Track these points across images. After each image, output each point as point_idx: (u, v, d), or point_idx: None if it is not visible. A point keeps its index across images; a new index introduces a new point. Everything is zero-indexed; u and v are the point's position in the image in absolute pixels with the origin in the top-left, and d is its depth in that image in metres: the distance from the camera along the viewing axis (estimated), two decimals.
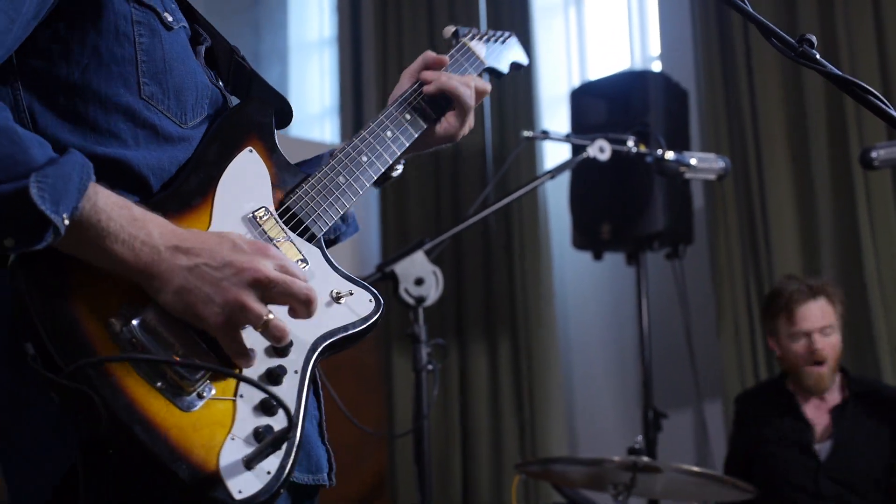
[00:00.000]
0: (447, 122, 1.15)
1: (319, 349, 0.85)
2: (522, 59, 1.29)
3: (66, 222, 0.71)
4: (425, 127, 1.12)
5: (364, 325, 0.89)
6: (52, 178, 0.71)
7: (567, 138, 2.60)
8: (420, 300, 1.72)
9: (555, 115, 3.78)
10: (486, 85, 1.18)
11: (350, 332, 0.89)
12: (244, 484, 0.73)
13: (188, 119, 0.91)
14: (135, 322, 0.76)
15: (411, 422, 2.07)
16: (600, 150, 2.13)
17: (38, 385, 0.74)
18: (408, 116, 1.11)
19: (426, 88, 1.10)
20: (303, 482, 0.90)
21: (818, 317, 2.53)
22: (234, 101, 1.04)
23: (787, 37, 0.94)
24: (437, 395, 3.11)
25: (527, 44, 3.69)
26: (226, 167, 0.90)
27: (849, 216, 2.99)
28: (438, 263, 2.66)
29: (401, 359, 3.61)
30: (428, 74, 1.11)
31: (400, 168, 1.19)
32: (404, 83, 1.17)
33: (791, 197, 3.13)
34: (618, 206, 3.03)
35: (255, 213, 0.90)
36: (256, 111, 0.99)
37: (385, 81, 4.01)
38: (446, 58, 1.16)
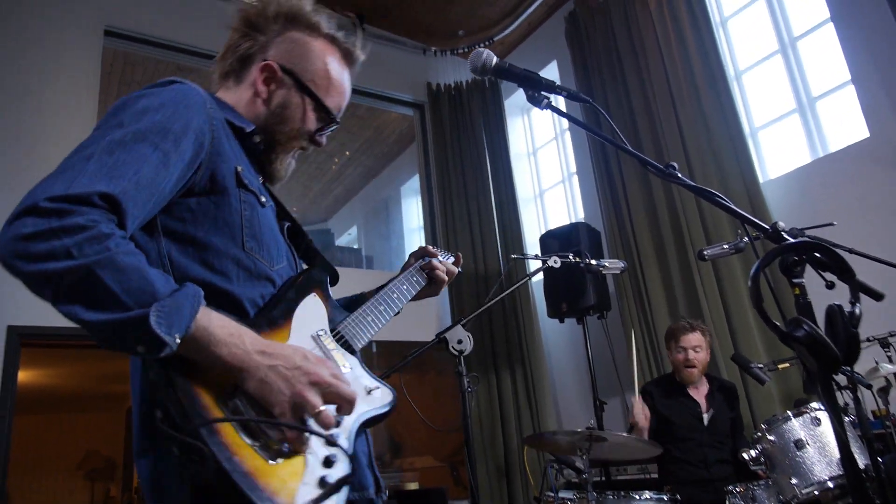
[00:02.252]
0: (433, 287, 1.53)
1: (360, 424, 1.05)
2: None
3: (178, 340, 0.85)
4: (422, 286, 1.48)
5: (387, 409, 1.11)
6: (168, 307, 0.85)
7: (535, 257, 3.34)
8: (461, 352, 2.20)
9: (534, 244, 5.41)
10: (455, 270, 1.58)
11: (379, 413, 1.10)
12: None
13: (275, 264, 1.12)
14: (237, 399, 0.92)
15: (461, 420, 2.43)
16: (555, 262, 2.65)
17: (162, 440, 0.87)
18: (414, 279, 1.46)
19: (430, 273, 1.49)
20: (352, 499, 1.07)
21: (692, 340, 3.41)
22: (302, 263, 1.26)
23: (657, 164, 1.17)
24: (475, 405, 4.81)
25: (514, 204, 5.83)
26: (300, 303, 1.10)
27: (691, 287, 4.40)
28: (475, 328, 4.57)
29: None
30: (434, 263, 1.51)
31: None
32: (411, 260, 1.54)
33: (658, 279, 4.67)
34: (569, 292, 4.49)
35: (318, 333, 1.09)
36: (318, 274, 1.20)
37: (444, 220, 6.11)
38: (435, 251, 1.55)
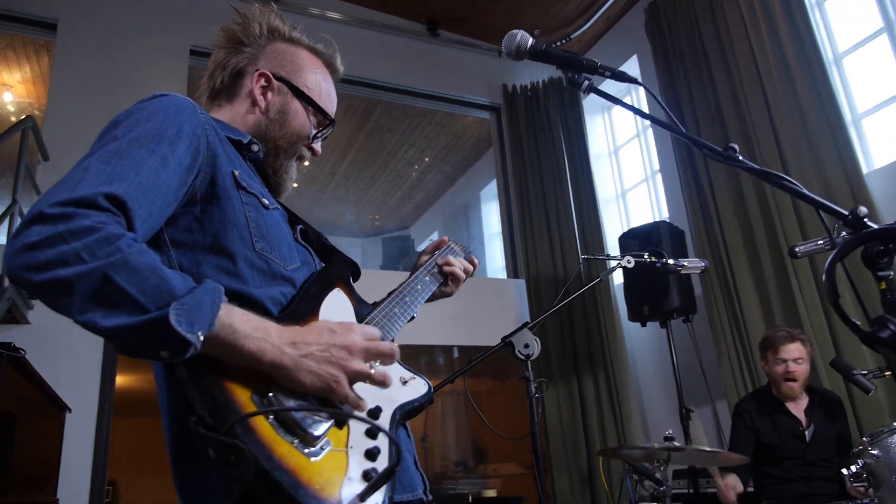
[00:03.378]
0: (449, 287, 1.49)
1: (398, 416, 1.03)
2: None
3: (202, 337, 0.82)
4: (439, 283, 1.45)
5: (423, 400, 1.09)
6: (189, 304, 0.82)
7: (608, 257, 3.41)
8: (528, 356, 2.17)
9: (616, 246, 5.08)
10: (471, 267, 1.52)
11: (416, 404, 1.08)
12: None
13: (288, 264, 1.10)
14: (270, 394, 0.89)
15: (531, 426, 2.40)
16: (628, 261, 2.64)
17: (200, 443, 0.82)
18: (428, 278, 1.43)
19: (445, 269, 1.45)
20: (402, 500, 1.07)
21: (793, 351, 3.18)
22: (320, 262, 1.24)
23: (715, 147, 1.09)
24: (555, 413, 4.69)
25: (594, 205, 5.71)
26: (324, 298, 1.10)
27: (787, 287, 4.07)
28: (555, 333, 4.42)
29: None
30: (449, 259, 1.47)
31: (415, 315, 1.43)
32: (423, 257, 1.51)
33: (750, 280, 4.36)
34: (650, 294, 4.31)
35: None
36: (339, 269, 1.21)
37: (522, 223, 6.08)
38: (445, 238, 1.54)
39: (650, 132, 6.08)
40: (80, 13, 5.14)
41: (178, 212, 1.01)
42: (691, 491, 3.80)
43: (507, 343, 2.38)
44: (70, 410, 3.21)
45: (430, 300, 1.47)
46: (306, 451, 0.87)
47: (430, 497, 1.18)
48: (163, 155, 0.96)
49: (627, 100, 5.46)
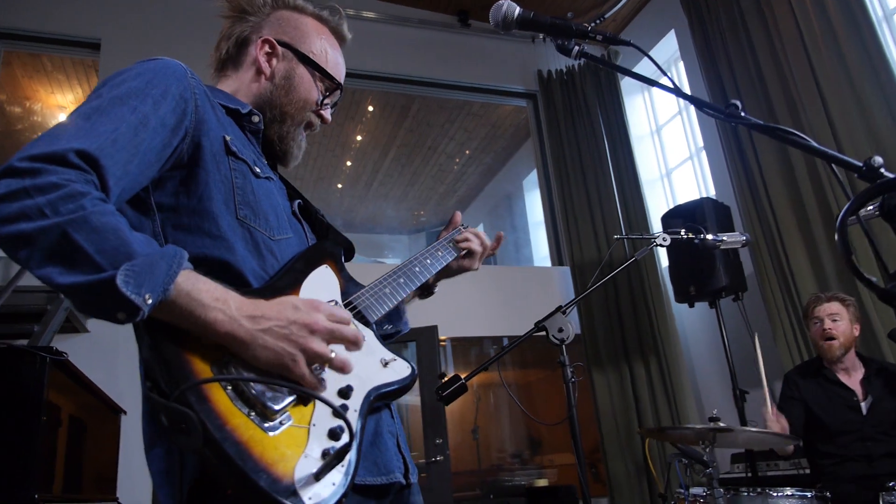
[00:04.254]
0: (468, 261, 1.49)
1: (372, 396, 0.99)
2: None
3: (150, 301, 0.80)
4: (452, 258, 1.44)
5: (404, 383, 1.05)
6: (139, 267, 0.81)
7: (642, 236, 3.33)
8: (562, 341, 2.16)
9: (658, 226, 5.15)
10: (487, 241, 1.53)
11: (394, 387, 1.04)
12: (314, 493, 0.81)
13: (275, 234, 1.08)
14: (231, 366, 0.87)
15: (567, 412, 2.31)
16: (664, 239, 2.52)
17: (159, 425, 0.82)
18: (440, 253, 1.42)
19: (462, 244, 1.46)
20: (374, 483, 1.04)
21: (827, 309, 3.06)
22: (314, 239, 1.24)
23: (716, 105, 1.08)
24: (606, 399, 4.57)
25: (637, 186, 5.62)
26: (309, 273, 1.07)
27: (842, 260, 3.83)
28: (602, 318, 4.32)
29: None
30: (466, 234, 1.48)
31: (436, 289, 1.50)
32: (442, 234, 1.50)
33: (803, 254, 4.20)
34: (696, 274, 4.18)
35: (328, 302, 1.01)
36: (331, 246, 1.17)
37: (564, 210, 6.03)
38: (458, 214, 1.54)
39: (692, 109, 5.90)
40: (121, 31, 5.33)
41: (164, 175, 1.00)
42: (749, 475, 3.66)
43: (540, 328, 2.34)
44: (125, 413, 3.33)
45: (449, 275, 1.48)
46: (264, 425, 0.84)
47: (413, 480, 1.14)
48: (144, 113, 0.95)
49: (668, 76, 5.27)
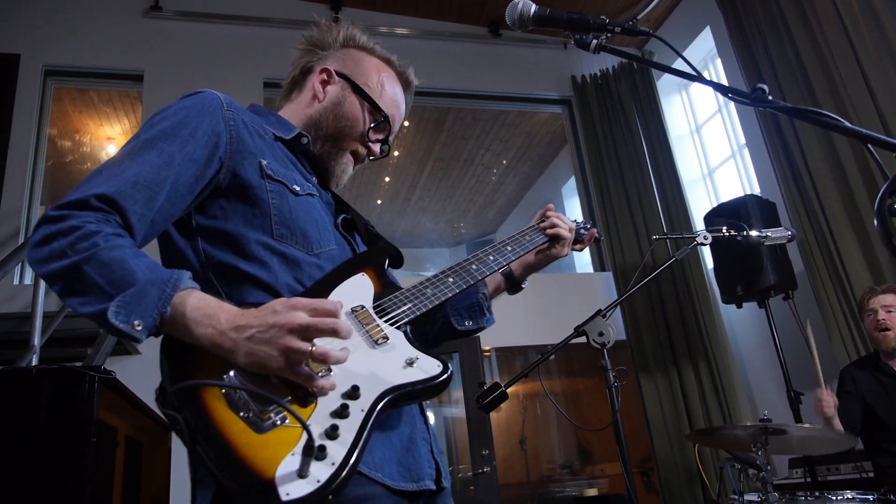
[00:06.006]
0: (555, 249, 1.52)
1: (387, 398, 0.97)
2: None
3: (139, 327, 0.88)
4: (535, 246, 1.47)
5: (434, 381, 1.02)
6: (130, 296, 0.89)
7: (682, 236, 3.09)
8: (603, 345, 2.10)
9: (700, 223, 5.04)
10: (573, 225, 1.55)
11: (419, 386, 1.01)
12: (293, 488, 0.81)
13: (314, 248, 1.13)
14: (232, 372, 0.92)
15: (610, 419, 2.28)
16: (704, 237, 2.41)
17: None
18: (527, 237, 1.45)
19: (549, 231, 1.50)
20: (407, 489, 1.05)
21: (882, 301, 3.06)
22: (362, 248, 1.29)
23: (742, 90, 1.06)
24: (656, 406, 4.46)
25: (678, 187, 5.51)
26: (342, 282, 1.11)
27: None
28: (648, 323, 4.22)
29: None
30: (553, 221, 1.51)
31: (525, 285, 1.57)
32: (531, 222, 1.54)
33: (856, 248, 4.04)
34: (743, 273, 4.05)
35: (354, 308, 1.09)
36: (373, 254, 1.22)
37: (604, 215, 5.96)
38: (551, 206, 1.57)
39: (732, 106, 5.76)
40: (162, 62, 5.52)
41: (205, 202, 1.10)
42: (808, 479, 3.51)
43: (580, 332, 2.25)
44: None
45: (539, 267, 1.54)
46: (254, 425, 0.88)
47: (445, 485, 1.15)
48: (170, 153, 1.04)
49: (685, 59, 5.17)
